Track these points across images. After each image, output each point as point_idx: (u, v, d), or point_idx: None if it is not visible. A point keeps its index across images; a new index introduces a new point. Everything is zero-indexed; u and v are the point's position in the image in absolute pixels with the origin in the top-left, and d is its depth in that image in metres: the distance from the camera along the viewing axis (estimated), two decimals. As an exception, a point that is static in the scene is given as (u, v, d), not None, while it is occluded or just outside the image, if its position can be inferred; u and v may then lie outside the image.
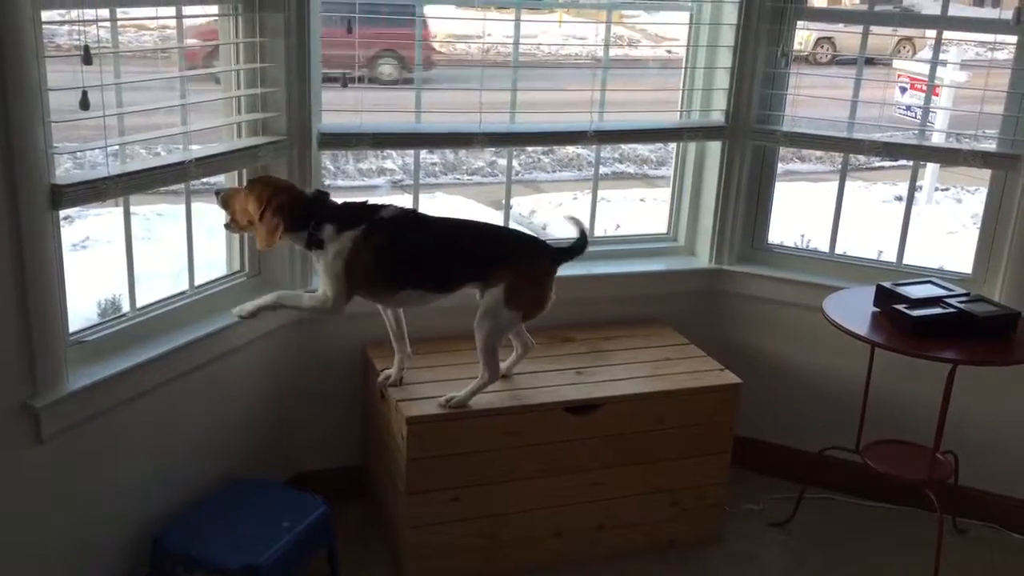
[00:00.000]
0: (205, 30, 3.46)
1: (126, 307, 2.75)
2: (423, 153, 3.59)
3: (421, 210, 2.99)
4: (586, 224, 2.97)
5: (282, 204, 2.69)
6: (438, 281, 2.86)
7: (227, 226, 2.84)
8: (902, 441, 3.35)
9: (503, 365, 3.05)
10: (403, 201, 3.06)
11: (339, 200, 2.85)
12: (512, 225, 3.53)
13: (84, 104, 2.31)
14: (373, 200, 2.89)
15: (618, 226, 5.65)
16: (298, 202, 2.74)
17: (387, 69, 6.69)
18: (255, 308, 2.78)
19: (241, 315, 2.78)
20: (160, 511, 2.76)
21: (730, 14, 3.40)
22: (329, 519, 2.83)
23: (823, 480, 3.54)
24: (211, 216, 3.03)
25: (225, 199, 2.79)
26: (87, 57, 2.27)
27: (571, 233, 2.98)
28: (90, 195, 2.42)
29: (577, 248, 2.95)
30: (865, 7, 3.55)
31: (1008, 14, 3.17)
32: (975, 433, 3.37)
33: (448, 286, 2.88)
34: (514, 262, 2.85)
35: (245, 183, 2.85)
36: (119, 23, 2.57)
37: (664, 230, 3.80)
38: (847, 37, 6.24)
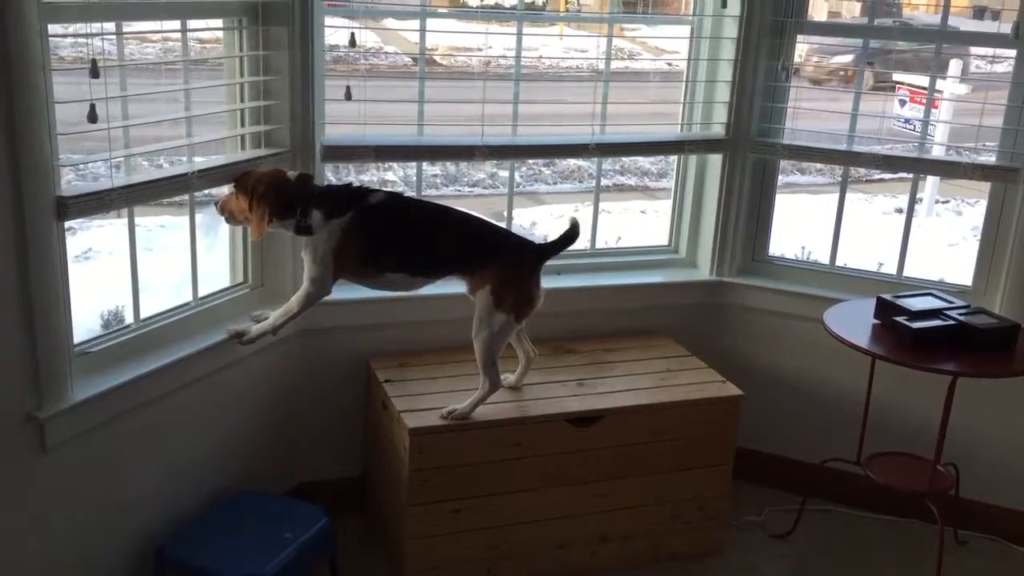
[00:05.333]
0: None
1: (130, 318, 2.76)
2: (424, 164, 3.62)
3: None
4: (579, 222, 2.97)
5: (263, 193, 2.74)
6: (423, 266, 2.89)
7: (227, 221, 2.90)
8: (903, 453, 3.36)
9: (511, 378, 3.07)
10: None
11: (324, 184, 2.91)
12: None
13: (92, 117, 2.32)
14: (357, 183, 2.96)
15: (619, 238, 5.66)
16: (282, 189, 2.78)
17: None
18: (257, 335, 2.88)
19: (241, 342, 2.86)
20: (163, 522, 2.76)
21: (731, 28, 3.42)
22: (331, 530, 2.84)
23: (824, 492, 3.54)
24: (212, 227, 3.05)
25: (222, 206, 2.86)
26: (94, 71, 2.28)
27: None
28: (94, 206, 2.44)
29: (561, 243, 2.95)
30: (864, 21, 3.57)
31: (1007, 28, 3.20)
32: (976, 445, 3.37)
33: (432, 272, 2.92)
34: (496, 261, 2.88)
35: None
36: (123, 36, 2.59)
37: (665, 242, 3.81)
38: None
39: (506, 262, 2.89)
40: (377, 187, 2.95)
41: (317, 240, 2.79)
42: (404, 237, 2.85)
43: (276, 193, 2.76)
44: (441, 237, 2.90)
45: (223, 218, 2.89)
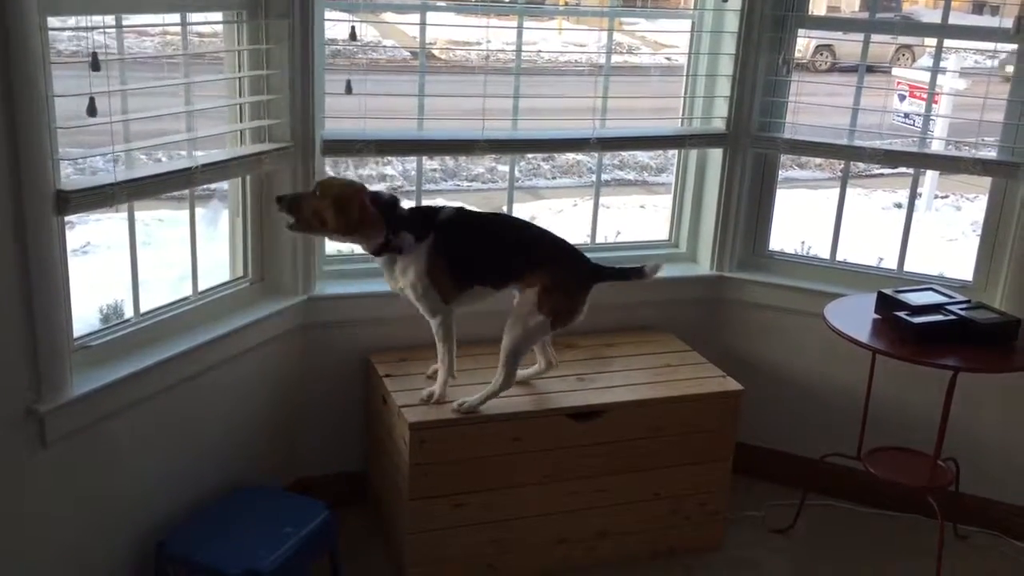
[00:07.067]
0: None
1: (129, 312, 2.75)
2: (424, 159, 3.62)
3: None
4: (654, 271, 2.99)
5: (363, 204, 2.73)
6: (500, 274, 2.90)
7: (291, 227, 2.81)
8: (903, 448, 3.36)
9: (525, 372, 3.06)
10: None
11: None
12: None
13: (92, 111, 2.31)
14: (424, 204, 3.02)
15: (618, 232, 5.66)
16: (378, 204, 2.78)
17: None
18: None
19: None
20: (163, 516, 2.76)
21: (731, 22, 3.41)
22: (331, 525, 2.83)
23: (824, 487, 3.54)
24: (212, 221, 3.04)
25: (291, 204, 2.76)
26: (95, 64, 2.27)
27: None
28: (97, 201, 2.42)
29: (619, 273, 2.98)
30: (865, 15, 3.56)
31: (1008, 22, 3.19)
32: (976, 440, 3.38)
33: (506, 280, 2.92)
34: (553, 267, 2.88)
35: (316, 186, 2.81)
36: (123, 29, 2.58)
37: (665, 237, 3.81)
38: (845, 44, 6.26)
39: (562, 270, 2.90)
40: (443, 204, 2.96)
41: (411, 272, 2.80)
42: (479, 250, 2.86)
43: (375, 205, 2.75)
44: (508, 246, 2.91)
45: (288, 219, 2.78)
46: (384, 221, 2.77)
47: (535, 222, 3.12)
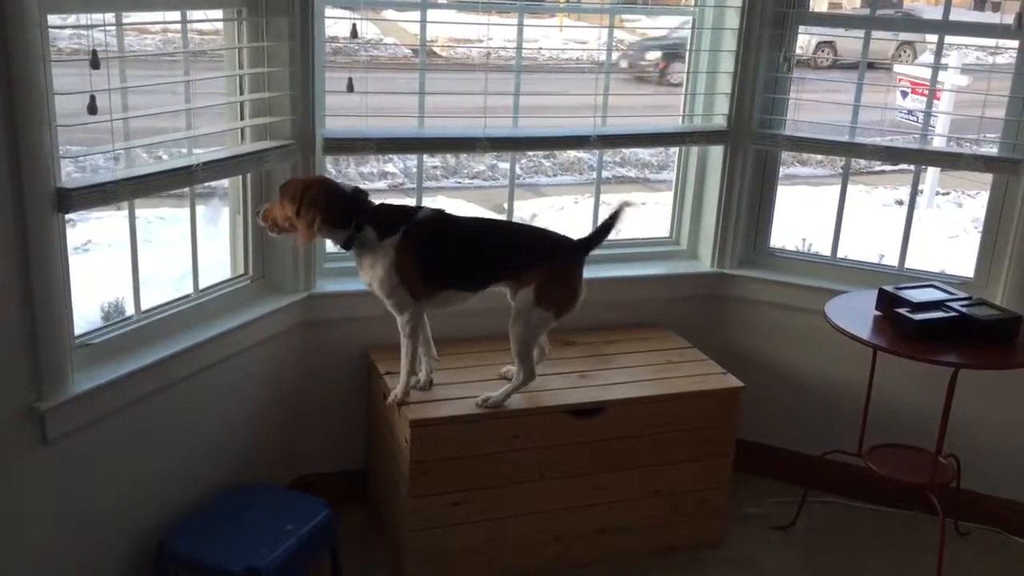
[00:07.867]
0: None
1: (130, 310, 2.75)
2: (424, 156, 3.62)
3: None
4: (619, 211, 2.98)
5: (315, 198, 2.72)
6: (473, 280, 2.90)
7: (271, 231, 2.85)
8: (904, 445, 3.35)
9: (511, 367, 3.06)
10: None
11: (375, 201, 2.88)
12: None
13: (92, 108, 2.31)
14: (403, 203, 2.96)
15: (619, 230, 5.65)
16: (335, 198, 2.76)
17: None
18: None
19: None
20: (164, 515, 2.76)
21: (732, 19, 3.41)
22: (332, 522, 2.84)
23: (825, 484, 3.54)
24: (213, 219, 3.04)
25: (265, 214, 2.82)
26: (95, 62, 2.27)
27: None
28: (99, 199, 2.43)
29: (602, 233, 2.97)
30: (867, 12, 3.56)
31: (1009, 18, 3.19)
32: (977, 437, 3.37)
33: (482, 285, 2.92)
34: (542, 263, 2.88)
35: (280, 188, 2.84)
36: (123, 27, 2.58)
37: (666, 234, 3.81)
38: (847, 41, 6.25)
39: (551, 264, 2.90)
40: (423, 206, 2.95)
41: (378, 268, 2.78)
42: (455, 252, 2.85)
43: (328, 199, 2.74)
44: (490, 249, 2.91)
45: (266, 228, 2.84)
46: (345, 215, 2.76)
47: (534, 221, 3.12)
